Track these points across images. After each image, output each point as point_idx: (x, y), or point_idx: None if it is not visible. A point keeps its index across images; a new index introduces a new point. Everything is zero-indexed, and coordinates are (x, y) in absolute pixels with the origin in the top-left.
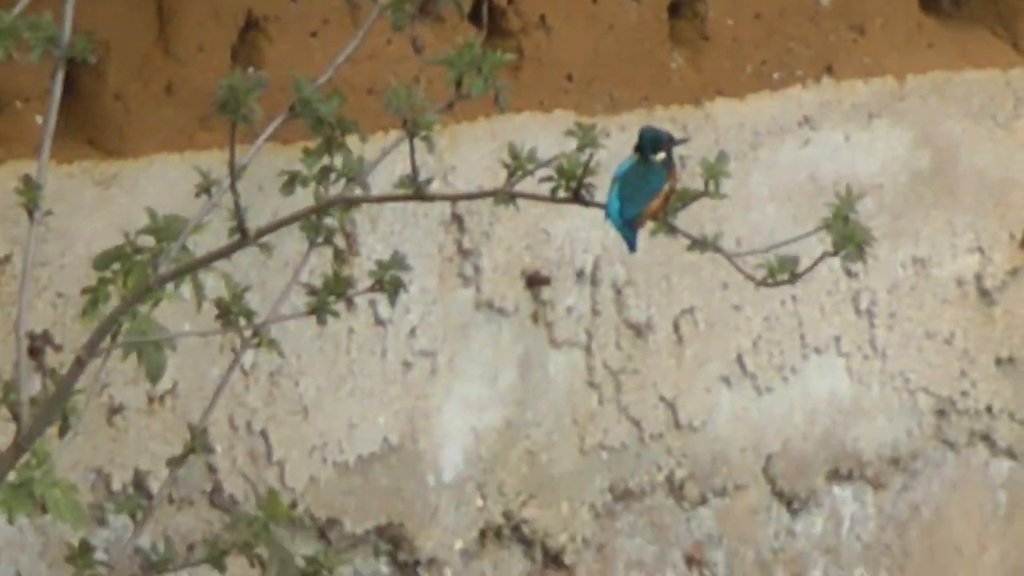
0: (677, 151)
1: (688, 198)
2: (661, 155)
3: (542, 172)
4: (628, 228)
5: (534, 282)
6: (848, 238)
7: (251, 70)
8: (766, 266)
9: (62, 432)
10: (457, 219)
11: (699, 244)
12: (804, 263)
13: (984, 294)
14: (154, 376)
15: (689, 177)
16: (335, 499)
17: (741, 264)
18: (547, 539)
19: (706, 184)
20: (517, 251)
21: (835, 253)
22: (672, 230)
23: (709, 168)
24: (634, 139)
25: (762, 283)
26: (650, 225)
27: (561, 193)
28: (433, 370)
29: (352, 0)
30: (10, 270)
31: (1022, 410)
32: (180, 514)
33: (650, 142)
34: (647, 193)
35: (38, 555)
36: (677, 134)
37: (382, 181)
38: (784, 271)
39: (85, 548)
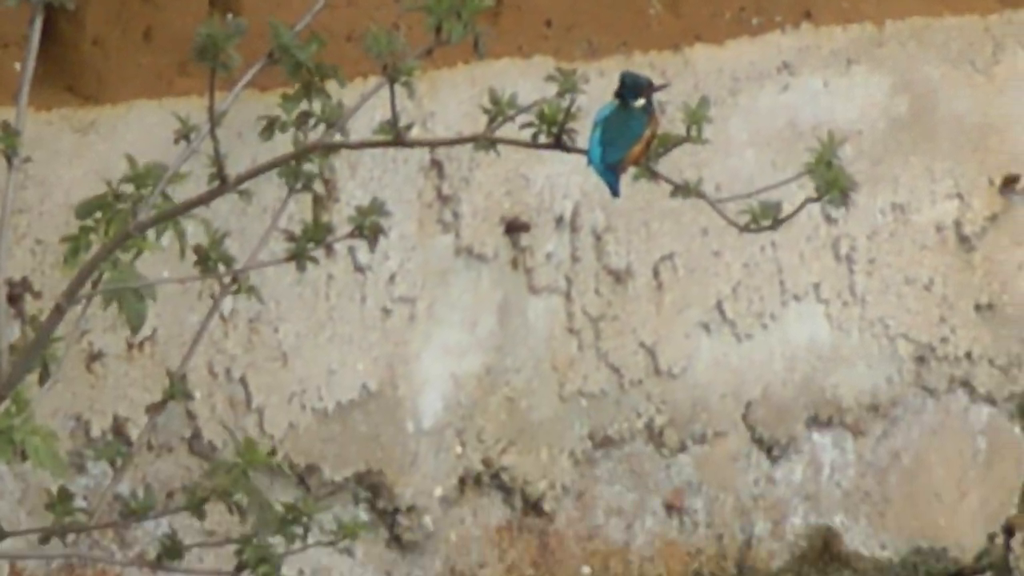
0: (656, 97)
1: (670, 143)
2: (642, 101)
3: (523, 118)
4: (610, 173)
5: (513, 228)
6: (832, 183)
7: (229, 16)
8: (748, 212)
9: (42, 379)
10: (436, 165)
11: (681, 190)
12: (785, 209)
13: (963, 240)
14: (135, 325)
15: (668, 123)
16: (314, 446)
17: (722, 210)
18: (526, 486)
19: (688, 129)
20: (496, 197)
21: (818, 199)
22: (654, 175)
23: (690, 113)
24: (614, 85)
25: (745, 229)
26: (632, 170)
27: (542, 139)
28: (412, 316)
29: None
30: None
31: (1001, 356)
32: (159, 461)
33: (631, 88)
34: (629, 138)
35: (17, 502)
36: (656, 80)
37: (361, 127)
38: (767, 217)
39: (64, 495)
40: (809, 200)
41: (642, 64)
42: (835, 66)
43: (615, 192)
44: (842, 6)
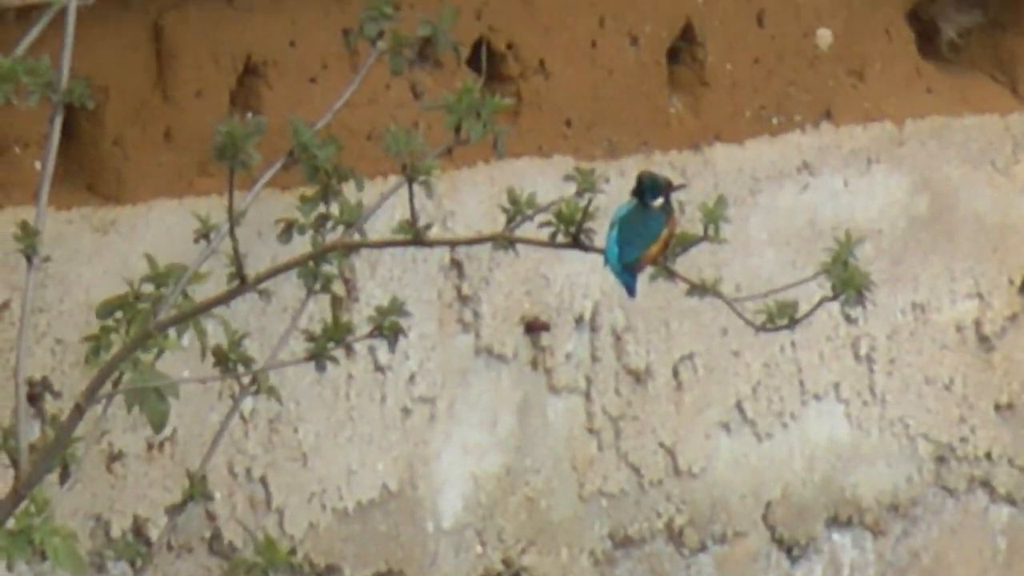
0: (676, 196)
1: (688, 243)
2: (660, 200)
3: (541, 217)
4: (627, 273)
5: (533, 328)
6: (848, 282)
7: (249, 115)
8: (765, 311)
9: (62, 479)
10: (456, 264)
11: (699, 289)
12: (804, 308)
13: (983, 340)
14: (158, 425)
15: (688, 222)
16: (334, 545)
17: (740, 309)
18: None
19: (706, 229)
20: (516, 296)
21: (834, 298)
22: (672, 275)
23: (708, 213)
24: (632, 184)
25: (761, 328)
26: (649, 270)
27: (560, 238)
28: (432, 416)
29: (351, 45)
30: (9, 316)
31: (1021, 456)
32: (179, 561)
33: (649, 187)
34: (646, 238)
35: None
36: (676, 179)
37: (381, 226)
38: (783, 316)
39: None
40: (825, 299)
41: (662, 163)
42: (855, 165)
43: (631, 292)
44: (862, 105)
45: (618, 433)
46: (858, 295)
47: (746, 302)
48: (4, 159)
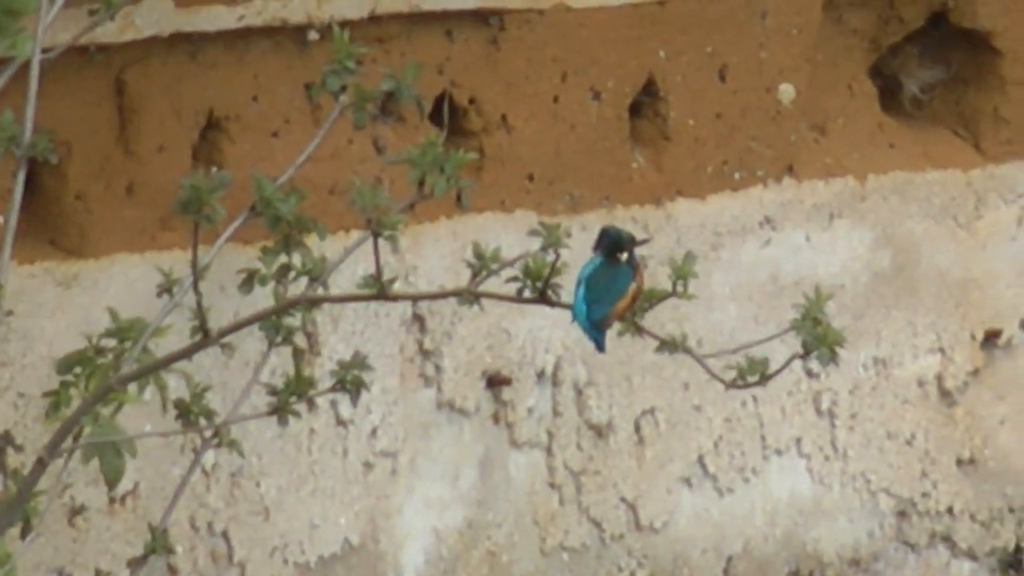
0: (639, 252)
1: (656, 298)
2: (625, 255)
3: (506, 272)
4: (596, 330)
5: (495, 382)
6: (820, 340)
7: (213, 169)
8: (734, 367)
9: (23, 533)
10: (418, 319)
11: (668, 345)
12: (769, 364)
13: (945, 395)
14: (112, 480)
15: (650, 277)
16: None
17: (708, 366)
18: None
19: (674, 285)
20: (478, 351)
21: (806, 355)
22: (639, 331)
23: (677, 269)
24: (594, 239)
25: (732, 385)
26: (617, 326)
27: (527, 293)
28: (394, 470)
29: (313, 99)
30: None
31: (983, 511)
32: None
33: (612, 242)
34: (614, 294)
35: None
36: (638, 234)
37: (344, 281)
38: (754, 372)
39: None
40: (796, 356)
41: (624, 218)
42: (817, 220)
43: (600, 348)
44: (825, 161)
45: (580, 488)
46: (831, 353)
47: (711, 358)
48: None
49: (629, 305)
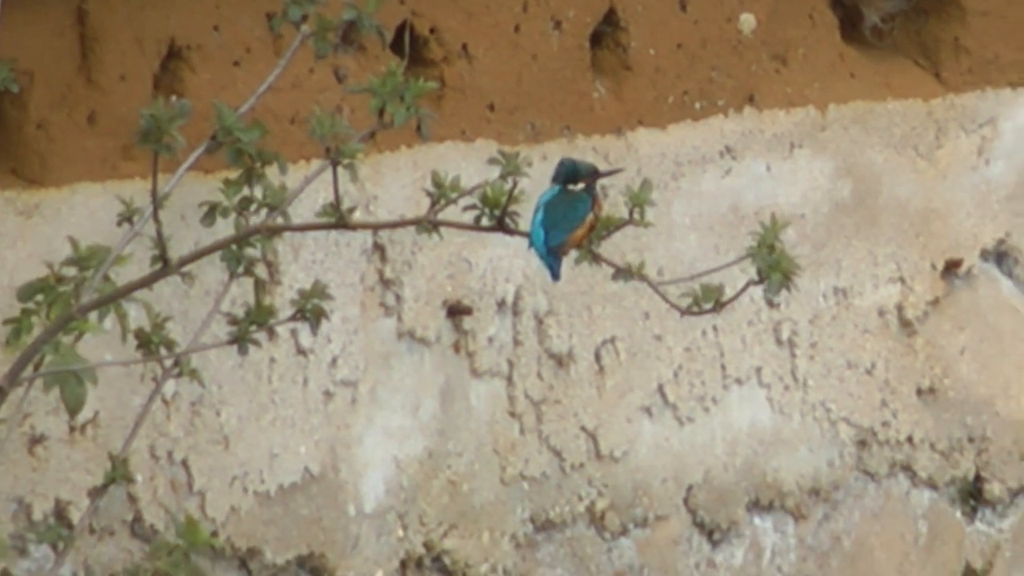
0: (606, 181)
1: (613, 226)
2: (580, 185)
3: (465, 201)
4: (552, 257)
5: (456, 312)
6: (774, 267)
7: (174, 99)
8: (691, 295)
9: None
10: (379, 249)
11: (623, 273)
12: (728, 293)
13: (905, 324)
14: (73, 409)
15: (611, 206)
16: (256, 529)
17: (665, 293)
18: (468, 569)
19: (631, 212)
20: (439, 281)
21: (760, 282)
22: (596, 259)
23: (633, 196)
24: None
25: (687, 312)
26: (574, 254)
27: (485, 221)
28: (354, 400)
29: (275, 29)
30: None
31: (943, 441)
32: (101, 544)
33: (568, 174)
34: (572, 221)
35: None
36: (600, 164)
37: (304, 210)
38: (709, 300)
39: None
40: (751, 283)
41: (585, 148)
42: (778, 150)
43: (555, 276)
44: (785, 91)
45: (540, 417)
46: (784, 280)
47: (670, 286)
48: None
49: (586, 233)
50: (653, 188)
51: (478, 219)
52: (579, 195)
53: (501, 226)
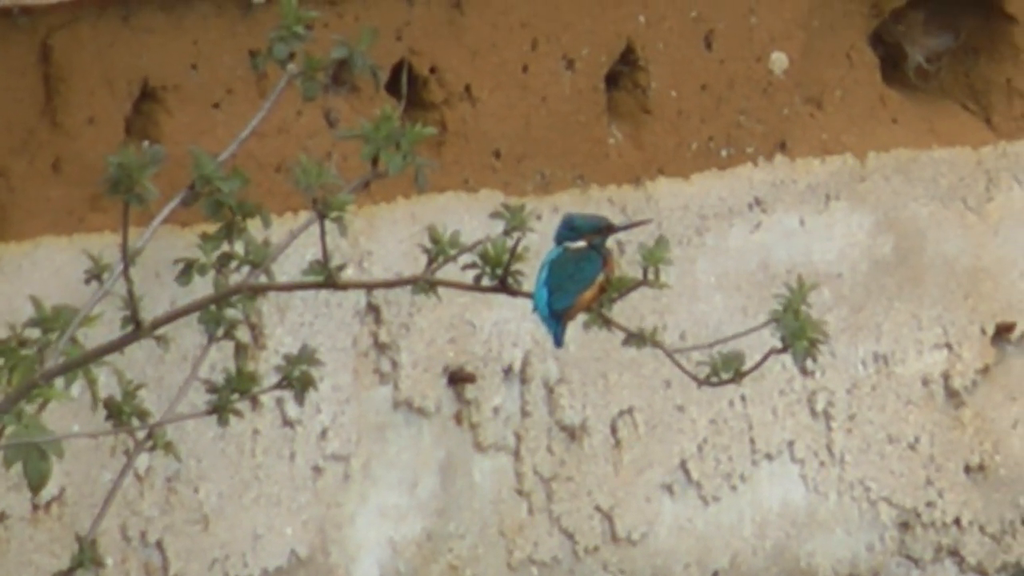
0: (614, 237)
1: (625, 288)
2: (582, 243)
3: (466, 258)
4: (555, 321)
5: (457, 379)
6: (799, 334)
7: (146, 144)
8: (709, 363)
9: None
10: (373, 310)
11: (635, 338)
12: (755, 360)
13: (952, 395)
14: (36, 485)
15: (628, 264)
16: None
17: (684, 361)
18: None
19: (645, 272)
20: (439, 345)
21: (784, 349)
22: (607, 323)
23: (648, 255)
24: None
25: (705, 382)
26: (583, 317)
27: (486, 281)
28: (346, 476)
29: (259, 68)
30: None
31: (993, 523)
32: None
33: (572, 231)
34: (580, 282)
35: None
36: (616, 218)
37: (291, 267)
38: (729, 369)
39: None
40: (773, 351)
41: (600, 199)
42: (812, 202)
43: (558, 342)
44: (820, 137)
45: (550, 495)
46: (810, 348)
47: (691, 353)
48: None
49: (596, 295)
50: (674, 244)
51: (478, 278)
52: (588, 253)
53: (504, 286)
